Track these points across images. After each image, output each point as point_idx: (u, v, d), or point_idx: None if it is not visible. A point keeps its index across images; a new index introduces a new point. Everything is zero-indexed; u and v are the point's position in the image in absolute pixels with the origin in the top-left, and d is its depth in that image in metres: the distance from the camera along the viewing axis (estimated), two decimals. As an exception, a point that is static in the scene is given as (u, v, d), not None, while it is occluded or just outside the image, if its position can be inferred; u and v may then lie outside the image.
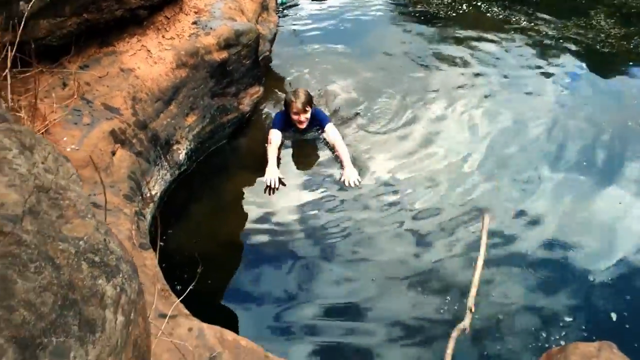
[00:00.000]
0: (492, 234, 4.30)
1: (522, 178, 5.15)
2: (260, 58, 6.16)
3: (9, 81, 3.11)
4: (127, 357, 1.52)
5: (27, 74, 3.63)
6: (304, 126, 5.48)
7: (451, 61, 7.25)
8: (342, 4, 9.41)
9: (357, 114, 6.12)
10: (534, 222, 4.63)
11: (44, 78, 3.75)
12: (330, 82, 6.76)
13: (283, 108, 5.64)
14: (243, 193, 5.13)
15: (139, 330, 1.65)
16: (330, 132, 5.48)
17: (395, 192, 4.95)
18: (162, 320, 2.62)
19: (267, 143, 5.40)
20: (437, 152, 5.52)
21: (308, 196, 5.01)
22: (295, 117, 5.40)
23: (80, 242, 1.59)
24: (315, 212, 4.79)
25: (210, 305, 3.88)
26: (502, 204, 4.84)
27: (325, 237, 4.52)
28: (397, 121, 6.05)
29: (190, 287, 2.85)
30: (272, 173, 5.09)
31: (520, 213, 4.72)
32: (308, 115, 5.43)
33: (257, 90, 6.01)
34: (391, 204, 4.81)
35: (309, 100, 5.42)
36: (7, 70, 3.09)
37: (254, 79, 5.96)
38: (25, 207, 1.55)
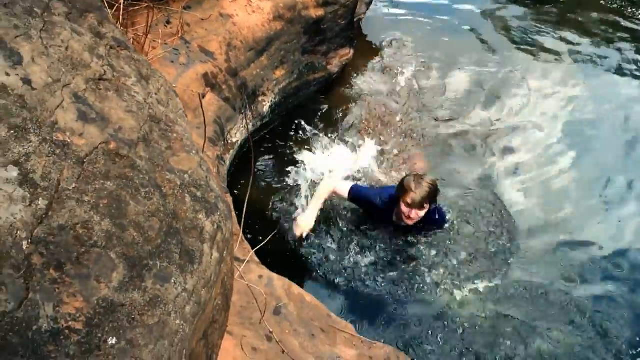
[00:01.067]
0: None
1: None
2: (355, 20, 6.05)
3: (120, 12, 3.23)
4: (216, 293, 1.57)
5: (137, 8, 3.74)
6: (410, 223, 3.83)
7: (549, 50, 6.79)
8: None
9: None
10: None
11: (151, 14, 3.85)
12: (420, 55, 6.54)
13: (396, 185, 3.93)
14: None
15: (227, 269, 1.70)
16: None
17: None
18: (237, 264, 2.70)
19: (329, 188, 4.09)
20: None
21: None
22: (405, 209, 3.71)
23: (185, 176, 1.64)
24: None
25: (275, 259, 3.96)
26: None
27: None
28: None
29: (268, 239, 2.90)
30: (306, 224, 3.91)
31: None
32: (422, 213, 3.76)
33: (347, 52, 5.93)
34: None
35: (433, 195, 3.73)
36: (121, 1, 3.20)
37: (346, 41, 5.87)
38: (140, 134, 1.61)
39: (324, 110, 5.67)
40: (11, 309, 1.02)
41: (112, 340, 1.12)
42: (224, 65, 4.62)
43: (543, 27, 7.26)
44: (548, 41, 6.95)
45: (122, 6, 3.27)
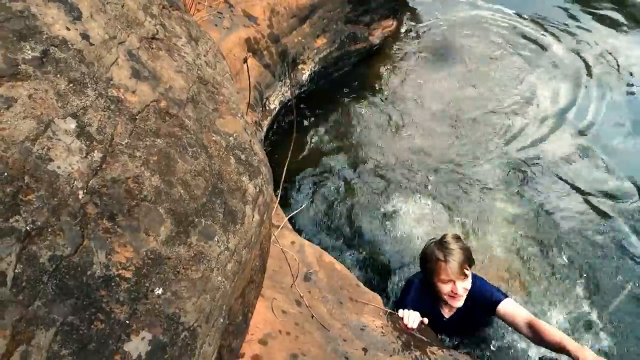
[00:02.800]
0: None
1: None
2: (401, -9, 5.93)
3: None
4: (255, 254, 1.62)
5: (184, -32, 3.75)
6: (459, 303, 2.97)
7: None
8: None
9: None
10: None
11: (197, -24, 3.86)
12: (465, 35, 6.34)
13: (419, 269, 3.15)
14: (353, 127, 5.09)
15: (265, 232, 1.74)
16: (509, 308, 2.92)
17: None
18: (272, 229, 2.75)
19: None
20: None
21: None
22: (444, 287, 2.90)
23: (230, 138, 1.67)
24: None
25: (307, 228, 4.02)
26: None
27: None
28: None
29: (302, 206, 2.94)
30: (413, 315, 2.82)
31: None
32: (467, 283, 2.93)
33: (390, 24, 5.84)
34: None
35: (469, 256, 2.94)
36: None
37: (390, 12, 5.78)
38: (189, 94, 1.64)
39: (361, 83, 5.62)
40: (68, 254, 1.07)
41: (159, 290, 1.17)
42: (267, 31, 4.61)
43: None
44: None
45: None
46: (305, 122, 5.10)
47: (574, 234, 4.04)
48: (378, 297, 2.92)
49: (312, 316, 2.41)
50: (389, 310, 2.84)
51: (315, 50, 5.18)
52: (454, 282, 2.88)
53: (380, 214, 4.17)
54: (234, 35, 4.28)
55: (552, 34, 6.40)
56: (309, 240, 3.06)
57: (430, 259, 2.94)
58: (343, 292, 2.84)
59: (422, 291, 3.07)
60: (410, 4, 6.66)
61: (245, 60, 4.39)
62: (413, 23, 6.45)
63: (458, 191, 4.42)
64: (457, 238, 2.97)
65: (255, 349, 2.17)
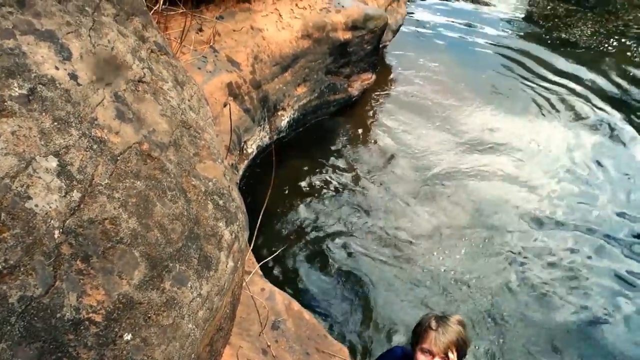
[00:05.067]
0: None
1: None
2: (380, 46, 6.15)
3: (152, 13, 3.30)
4: (226, 301, 1.60)
5: (173, 13, 3.83)
6: None
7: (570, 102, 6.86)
8: (473, 9, 9.19)
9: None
10: None
11: (184, 20, 3.94)
12: (440, 88, 6.61)
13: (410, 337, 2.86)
14: (326, 174, 5.15)
15: (238, 279, 1.74)
16: None
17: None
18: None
19: None
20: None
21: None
22: (421, 358, 2.60)
23: (210, 183, 1.68)
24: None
25: (280, 272, 3.99)
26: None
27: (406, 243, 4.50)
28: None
29: (276, 254, 2.93)
30: None
31: None
32: None
33: (369, 77, 6.02)
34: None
35: (460, 344, 2.67)
36: (159, 4, 3.29)
37: (369, 66, 5.97)
38: (172, 138, 1.66)
39: (339, 131, 5.73)
40: (39, 295, 1.05)
41: (128, 336, 1.15)
42: (249, 77, 4.71)
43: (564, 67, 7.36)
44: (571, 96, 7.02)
45: (160, 10, 3.35)
46: (282, 169, 5.14)
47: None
48: (345, 350, 2.90)
49: (279, 366, 2.37)
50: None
51: (295, 98, 5.29)
52: (434, 356, 2.58)
53: (354, 265, 4.18)
54: (216, 79, 4.35)
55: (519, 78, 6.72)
56: (278, 286, 3.03)
57: (422, 324, 2.73)
58: (310, 342, 2.80)
59: (404, 353, 2.81)
60: (388, 59, 6.91)
61: (225, 105, 4.44)
62: (392, 77, 6.69)
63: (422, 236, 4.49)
64: (461, 322, 2.79)
65: (219, 399, 2.11)
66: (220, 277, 1.49)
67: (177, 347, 1.24)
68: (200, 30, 4.29)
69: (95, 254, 1.20)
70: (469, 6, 9.38)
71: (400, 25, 6.88)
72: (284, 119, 5.25)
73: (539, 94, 6.80)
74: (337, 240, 4.35)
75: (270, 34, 4.90)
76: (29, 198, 1.15)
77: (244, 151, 4.74)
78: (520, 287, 4.17)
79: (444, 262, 4.26)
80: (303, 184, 4.93)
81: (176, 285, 1.32)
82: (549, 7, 9.60)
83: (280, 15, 5.02)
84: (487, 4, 9.55)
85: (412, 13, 8.68)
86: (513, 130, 6.04)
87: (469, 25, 8.57)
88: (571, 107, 6.64)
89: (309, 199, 4.78)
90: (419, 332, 2.72)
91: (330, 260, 4.10)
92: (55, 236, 1.15)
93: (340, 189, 4.93)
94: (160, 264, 1.32)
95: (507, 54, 7.72)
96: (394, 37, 6.80)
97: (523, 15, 9.17)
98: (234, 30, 4.60)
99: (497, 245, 4.52)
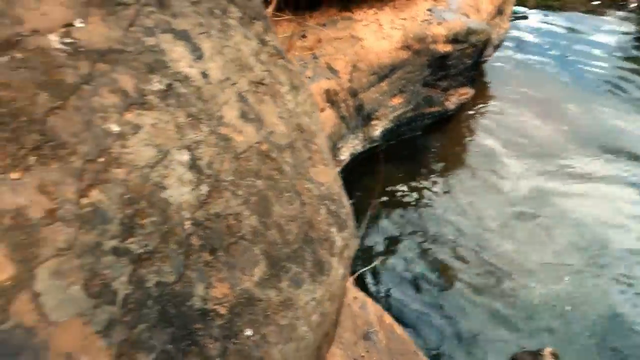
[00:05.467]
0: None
1: None
2: (480, 61, 5.97)
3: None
4: (334, 307, 1.59)
5: (279, 19, 3.94)
6: None
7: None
8: (580, 25, 8.69)
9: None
10: None
11: (290, 26, 4.04)
12: (539, 108, 6.28)
13: None
14: (419, 189, 5.05)
15: (345, 287, 1.72)
16: None
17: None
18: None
19: None
20: None
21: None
22: None
23: (322, 188, 1.68)
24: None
25: (371, 284, 3.94)
26: None
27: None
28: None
29: (372, 265, 2.89)
30: None
31: None
32: None
33: (466, 92, 5.85)
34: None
35: None
36: (270, 10, 3.40)
37: (468, 80, 5.80)
38: (288, 140, 1.67)
39: (432, 145, 5.61)
40: (172, 282, 1.09)
41: (249, 332, 1.16)
42: (346, 84, 4.72)
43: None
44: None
45: (269, 15, 3.45)
46: (372, 179, 5.10)
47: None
48: (436, 369, 2.79)
49: (371, 379, 2.32)
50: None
51: (390, 108, 5.24)
52: None
53: (446, 287, 4.04)
54: (315, 85, 4.41)
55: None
56: (371, 297, 2.98)
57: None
58: (401, 358, 2.73)
59: None
60: (488, 74, 6.68)
61: (322, 110, 4.49)
62: (491, 93, 6.46)
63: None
64: (555, 355, 2.64)
65: (310, 404, 2.10)
66: (332, 282, 1.47)
67: (293, 349, 1.24)
68: (304, 36, 4.37)
69: (220, 248, 1.23)
70: (575, 23, 8.87)
71: (502, 41, 6.64)
72: (378, 129, 5.22)
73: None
74: (429, 260, 4.22)
75: (369, 44, 4.90)
76: (165, 188, 1.19)
77: (337, 158, 4.76)
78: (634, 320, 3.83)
79: (545, 293, 4.00)
80: (396, 196, 4.86)
81: (292, 286, 1.32)
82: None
83: (380, 25, 5.01)
84: (594, 22, 8.99)
85: (515, 28, 8.36)
86: (617, 165, 5.60)
87: (575, 42, 8.10)
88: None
89: (400, 213, 4.69)
90: None
91: (422, 279, 3.98)
92: (186, 227, 1.19)
93: (433, 205, 4.81)
94: (278, 263, 1.32)
95: (617, 74, 7.20)
96: (495, 52, 6.57)
97: (633, 35, 8.54)
98: (335, 38, 4.64)
99: (606, 274, 4.20)
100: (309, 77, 4.43)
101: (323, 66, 4.59)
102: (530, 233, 4.58)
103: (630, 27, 8.82)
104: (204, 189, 1.28)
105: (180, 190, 1.22)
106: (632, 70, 7.32)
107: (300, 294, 1.33)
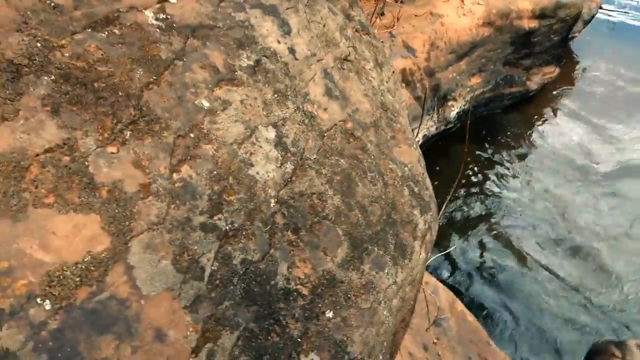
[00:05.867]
0: None
1: None
2: (568, 38, 5.59)
3: None
4: (413, 292, 1.55)
5: (358, -5, 3.85)
6: None
7: None
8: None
9: None
10: None
11: (369, 4, 3.94)
12: (628, 100, 5.81)
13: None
14: (493, 173, 4.85)
15: (424, 272, 1.67)
16: None
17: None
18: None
19: None
20: None
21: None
22: None
23: (405, 168, 1.62)
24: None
25: (444, 269, 3.86)
26: None
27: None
28: None
29: (449, 250, 2.82)
30: None
31: None
32: None
33: (551, 71, 5.52)
34: None
35: None
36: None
37: (553, 58, 5.46)
38: (372, 118, 1.62)
39: (510, 128, 5.35)
40: (257, 260, 1.08)
41: (330, 314, 1.14)
42: (423, 64, 4.58)
43: None
44: None
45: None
46: (446, 160, 4.95)
47: None
48: (509, 360, 2.70)
49: (443, 366, 2.27)
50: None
51: (468, 89, 5.04)
52: None
53: (539, 272, 3.87)
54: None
55: None
56: (443, 283, 2.91)
57: (603, 352, 2.51)
58: (472, 346, 2.65)
59: None
60: (575, 52, 6.26)
61: (397, 90, 4.38)
62: (577, 73, 6.06)
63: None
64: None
65: (380, 386, 2.08)
66: (413, 266, 1.43)
67: (374, 333, 1.21)
68: (382, 14, 4.26)
69: (304, 227, 1.21)
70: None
71: (593, 16, 6.18)
72: (454, 110, 5.04)
73: None
74: (506, 245, 4.06)
75: (449, 20, 4.71)
76: (252, 165, 1.19)
77: (410, 139, 4.65)
78: None
79: (627, 286, 3.76)
80: (472, 180, 4.70)
81: (374, 269, 1.29)
82: None
83: (462, 1, 4.79)
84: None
85: (607, 2, 7.75)
86: None
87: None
88: None
89: (477, 197, 4.54)
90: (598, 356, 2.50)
91: (497, 265, 3.84)
92: (271, 205, 1.18)
93: (509, 191, 4.61)
94: (360, 245, 1.29)
95: None
96: (584, 28, 6.13)
97: None
98: (414, 15, 4.50)
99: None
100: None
101: (400, 45, 4.47)
102: (613, 218, 4.29)
103: None
104: (289, 167, 1.27)
105: (266, 168, 1.21)
106: None
107: (382, 277, 1.29)
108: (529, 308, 3.58)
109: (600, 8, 6.57)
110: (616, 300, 3.63)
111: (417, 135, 4.77)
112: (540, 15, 4.95)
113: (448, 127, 5.15)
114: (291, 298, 1.11)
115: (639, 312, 3.57)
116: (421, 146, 4.88)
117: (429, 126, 4.91)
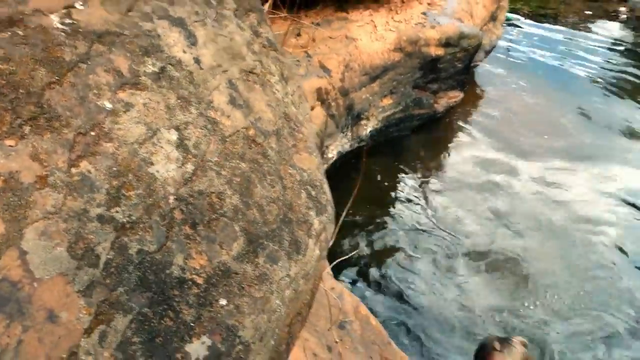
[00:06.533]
0: None
1: None
2: (471, 65, 6.08)
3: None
4: (308, 287, 1.67)
5: (275, 16, 4.01)
6: None
7: None
8: (571, 35, 8.85)
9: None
10: None
11: (285, 24, 4.11)
12: (527, 116, 6.41)
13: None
14: (401, 189, 5.16)
15: (321, 269, 1.80)
16: None
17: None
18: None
19: None
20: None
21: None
22: None
23: (304, 174, 1.76)
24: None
25: (348, 276, 4.03)
26: None
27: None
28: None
29: (351, 255, 2.98)
30: None
31: None
32: None
33: (456, 95, 5.96)
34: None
35: None
36: (267, 7, 3.47)
37: (458, 84, 5.91)
38: (275, 127, 1.75)
39: (419, 147, 5.71)
40: (153, 250, 1.16)
41: (223, 302, 1.24)
42: (338, 84, 4.81)
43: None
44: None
45: (265, 12, 3.52)
46: (360, 177, 5.18)
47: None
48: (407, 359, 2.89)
49: (343, 364, 2.40)
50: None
51: (380, 109, 5.34)
52: None
53: (429, 276, 4.14)
54: (307, 83, 4.48)
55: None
56: (349, 289, 3.07)
57: (486, 347, 2.75)
58: (375, 347, 2.82)
59: None
60: (478, 79, 6.79)
61: (312, 108, 4.57)
62: (480, 98, 6.57)
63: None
64: (524, 343, 2.77)
65: (283, 385, 2.18)
66: (307, 262, 1.56)
67: (265, 320, 1.31)
68: (299, 35, 4.45)
69: (201, 223, 1.30)
70: (567, 32, 9.04)
71: (494, 47, 6.77)
72: (367, 129, 5.31)
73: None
74: (405, 254, 4.33)
75: (363, 44, 4.99)
76: (152, 164, 1.27)
77: (325, 155, 4.84)
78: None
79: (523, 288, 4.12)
80: (378, 194, 4.96)
81: (269, 262, 1.40)
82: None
83: (375, 27, 5.10)
84: (587, 31, 9.16)
85: (508, 35, 8.48)
86: (606, 167, 5.73)
87: (566, 52, 8.25)
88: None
89: (381, 211, 4.79)
90: (482, 356, 2.72)
91: (398, 275, 4.09)
92: (170, 201, 1.26)
93: (414, 206, 4.92)
94: (256, 240, 1.40)
95: (606, 84, 7.35)
96: (486, 57, 6.69)
97: (625, 45, 8.71)
98: (329, 38, 4.72)
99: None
100: (302, 75, 4.51)
101: (316, 65, 4.67)
102: (502, 230, 4.69)
103: (622, 37, 9.00)
104: (190, 167, 1.36)
105: (166, 167, 1.29)
106: (622, 79, 7.47)
107: (275, 269, 1.40)
108: (427, 310, 3.83)
109: (500, 40, 7.18)
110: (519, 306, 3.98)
111: (332, 151, 4.97)
112: (446, 44, 5.36)
113: (361, 144, 5.40)
114: (186, 286, 1.19)
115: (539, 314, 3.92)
116: (336, 162, 5.09)
117: (343, 143, 5.13)
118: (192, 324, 1.16)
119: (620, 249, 4.69)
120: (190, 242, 1.25)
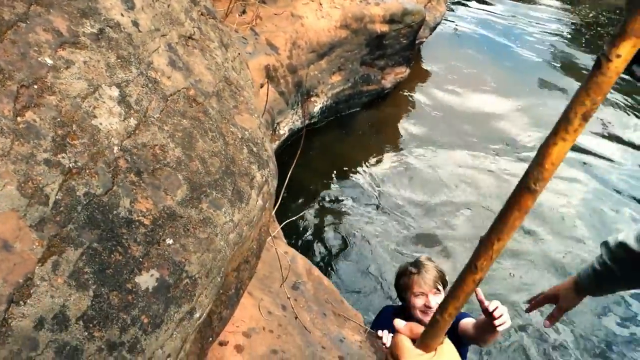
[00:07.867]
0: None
1: None
2: (416, 42, 6.27)
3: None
4: (253, 235, 1.78)
5: (219, -7, 4.06)
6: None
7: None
8: (514, 13, 9.20)
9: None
10: None
11: (230, 1, 4.16)
12: (471, 88, 6.71)
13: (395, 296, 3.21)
14: (353, 161, 5.33)
15: (265, 220, 1.92)
16: (465, 322, 2.84)
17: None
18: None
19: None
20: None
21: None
22: (417, 301, 2.89)
23: (246, 132, 1.87)
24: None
25: (300, 241, 4.18)
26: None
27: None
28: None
29: (299, 215, 3.11)
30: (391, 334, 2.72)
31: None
32: (440, 298, 2.84)
33: (402, 71, 6.15)
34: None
35: (442, 277, 2.97)
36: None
37: (404, 60, 6.10)
38: (215, 89, 1.85)
39: (367, 123, 5.89)
40: (100, 194, 1.25)
41: (170, 241, 1.34)
42: (286, 61, 4.90)
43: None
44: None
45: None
46: (310, 152, 5.32)
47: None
48: (360, 316, 3.05)
49: (296, 317, 2.54)
50: (369, 329, 2.96)
51: (329, 86, 5.47)
52: (427, 295, 2.85)
53: (372, 237, 4.34)
54: (254, 60, 4.56)
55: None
56: (300, 252, 3.21)
57: (404, 274, 3.03)
58: (327, 305, 2.97)
59: (396, 316, 3.00)
60: (423, 55, 7.01)
61: (262, 86, 4.65)
62: (426, 73, 6.79)
63: (446, 222, 4.60)
64: (430, 259, 3.07)
65: (239, 339, 2.31)
66: (250, 210, 1.67)
67: (210, 258, 1.43)
68: (244, 12, 4.51)
69: (146, 171, 1.39)
70: (510, 10, 9.39)
71: (438, 23, 6.99)
72: (317, 105, 5.43)
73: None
74: (354, 223, 4.52)
75: (309, 22, 5.09)
76: (95, 117, 1.35)
77: (277, 132, 4.94)
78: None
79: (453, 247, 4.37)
80: (329, 168, 5.11)
81: (212, 207, 1.50)
82: (590, 15, 9.53)
83: (320, 4, 5.20)
84: (529, 9, 9.55)
85: (452, 11, 8.75)
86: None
87: (509, 29, 8.60)
88: (607, 118, 6.63)
89: (331, 182, 4.96)
90: (403, 283, 3.00)
91: (346, 237, 4.28)
92: (115, 151, 1.35)
93: (362, 177, 5.09)
94: (199, 188, 1.50)
95: (547, 59, 7.72)
96: (431, 34, 6.91)
97: (565, 22, 9.13)
98: (275, 15, 4.80)
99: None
100: (249, 53, 4.58)
101: (263, 42, 4.75)
102: (445, 208, 4.94)
103: (568, 18, 9.41)
104: (132, 121, 1.44)
105: (109, 120, 1.38)
106: (564, 58, 7.85)
107: (219, 214, 1.51)
108: (374, 266, 4.05)
109: (444, 17, 7.42)
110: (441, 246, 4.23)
111: (283, 128, 5.07)
112: (390, 20, 5.52)
113: (312, 121, 5.52)
114: (133, 226, 1.29)
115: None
116: (288, 139, 5.20)
117: (294, 120, 5.24)
118: (140, 259, 1.26)
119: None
120: (136, 187, 1.35)
